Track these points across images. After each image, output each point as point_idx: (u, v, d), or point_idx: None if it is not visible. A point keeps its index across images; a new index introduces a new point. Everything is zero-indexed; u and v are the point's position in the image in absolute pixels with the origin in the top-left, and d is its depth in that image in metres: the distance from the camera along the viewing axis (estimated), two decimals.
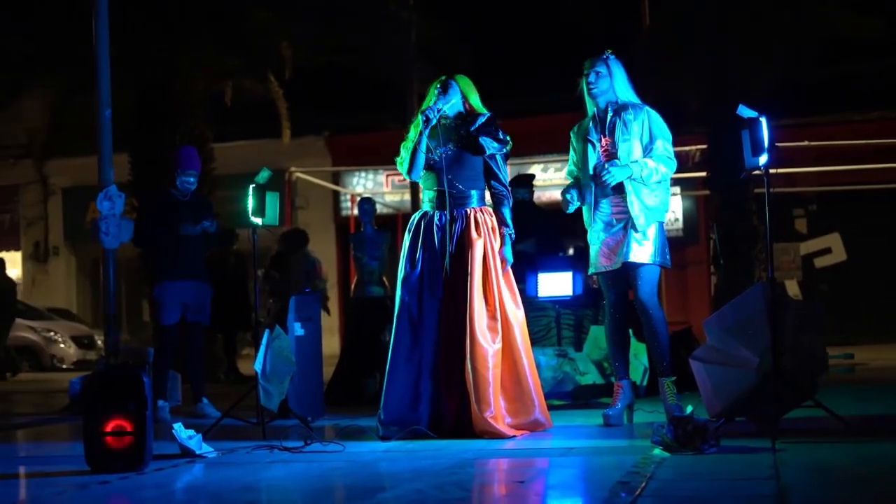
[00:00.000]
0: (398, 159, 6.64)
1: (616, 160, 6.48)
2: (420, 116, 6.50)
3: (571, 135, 6.84)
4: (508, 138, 6.58)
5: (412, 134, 6.55)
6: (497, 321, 6.36)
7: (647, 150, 6.52)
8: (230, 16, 13.19)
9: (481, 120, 6.55)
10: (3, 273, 16.50)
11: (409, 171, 6.57)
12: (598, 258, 6.65)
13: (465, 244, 6.42)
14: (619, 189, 6.51)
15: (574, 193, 6.73)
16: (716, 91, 13.65)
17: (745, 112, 5.91)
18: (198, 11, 12.97)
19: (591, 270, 6.76)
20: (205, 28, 13.06)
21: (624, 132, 6.52)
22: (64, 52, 12.80)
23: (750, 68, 13.77)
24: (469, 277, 6.34)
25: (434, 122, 6.47)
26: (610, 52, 6.69)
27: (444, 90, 6.57)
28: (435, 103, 6.50)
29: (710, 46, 13.43)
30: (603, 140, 6.59)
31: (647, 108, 6.62)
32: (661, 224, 6.60)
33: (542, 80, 21.22)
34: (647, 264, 6.53)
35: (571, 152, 6.86)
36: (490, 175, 6.58)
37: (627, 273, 6.63)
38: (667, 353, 6.58)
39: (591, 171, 6.56)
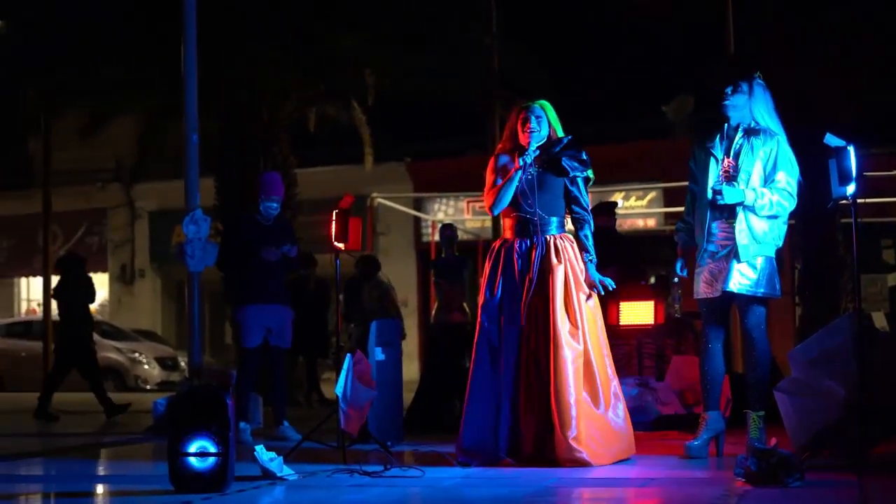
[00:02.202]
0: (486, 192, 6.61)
1: (734, 183, 6.35)
2: (520, 160, 6.44)
3: (694, 148, 6.66)
4: (589, 161, 6.54)
5: (501, 162, 6.54)
6: (579, 332, 6.31)
7: (769, 181, 6.35)
8: (316, 43, 13.32)
9: (564, 142, 6.54)
10: None
11: (494, 207, 6.55)
12: (700, 285, 6.51)
13: (545, 271, 6.39)
14: (731, 214, 6.37)
15: (682, 237, 6.69)
16: (801, 117, 13.46)
17: (832, 141, 5.82)
18: (284, 39, 13.13)
19: (695, 296, 6.61)
20: (291, 55, 13.20)
21: (749, 156, 6.37)
22: (152, 78, 13.03)
23: (837, 94, 13.55)
24: (550, 303, 6.31)
25: (530, 164, 6.45)
26: (758, 74, 6.51)
27: (538, 124, 6.53)
28: (529, 144, 6.46)
29: (795, 71, 13.24)
30: (726, 161, 6.41)
31: (779, 137, 6.41)
32: (769, 257, 6.40)
33: (623, 107, 21.17)
34: (748, 294, 6.37)
35: (690, 183, 6.68)
36: (571, 200, 6.54)
37: (730, 303, 6.51)
38: (764, 387, 6.42)
39: (708, 188, 6.41)
